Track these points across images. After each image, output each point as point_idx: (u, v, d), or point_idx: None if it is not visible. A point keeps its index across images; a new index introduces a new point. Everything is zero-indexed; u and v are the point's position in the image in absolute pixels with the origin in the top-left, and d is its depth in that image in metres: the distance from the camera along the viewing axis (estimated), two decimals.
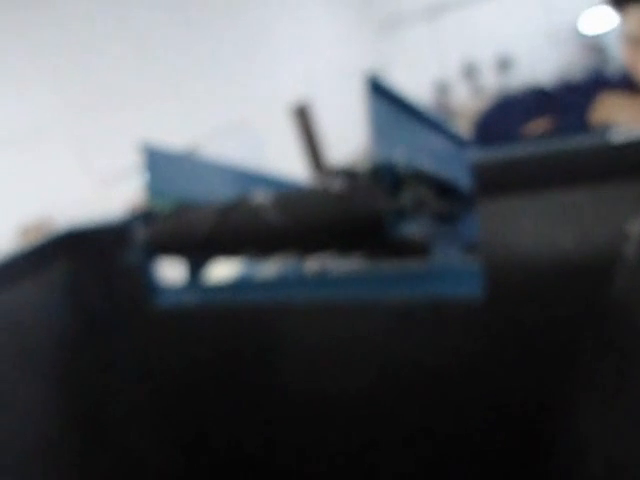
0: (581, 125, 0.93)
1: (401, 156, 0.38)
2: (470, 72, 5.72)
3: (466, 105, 5.31)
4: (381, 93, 0.38)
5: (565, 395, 0.47)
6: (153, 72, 3.62)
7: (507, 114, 1.07)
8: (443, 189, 0.45)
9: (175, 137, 2.92)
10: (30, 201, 2.75)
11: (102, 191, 3.01)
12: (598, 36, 4.88)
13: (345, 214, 0.39)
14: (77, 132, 3.08)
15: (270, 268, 0.53)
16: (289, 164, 4.36)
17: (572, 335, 0.46)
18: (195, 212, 0.48)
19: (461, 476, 0.59)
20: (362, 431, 0.66)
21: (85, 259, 0.70)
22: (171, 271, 0.56)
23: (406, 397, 0.60)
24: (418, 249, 0.46)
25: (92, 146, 3.13)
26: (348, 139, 4.94)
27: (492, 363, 0.51)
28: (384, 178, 0.37)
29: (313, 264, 0.53)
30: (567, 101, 0.98)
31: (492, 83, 5.56)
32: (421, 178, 0.40)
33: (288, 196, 0.44)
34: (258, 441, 0.74)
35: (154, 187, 0.51)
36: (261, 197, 0.45)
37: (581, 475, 0.48)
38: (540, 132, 0.97)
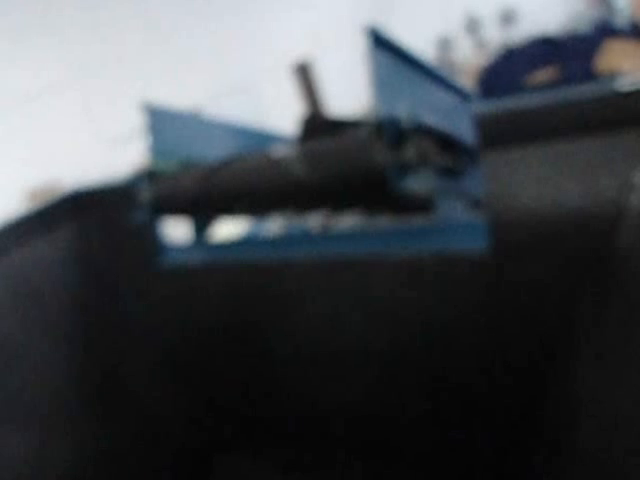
0: (587, 73, 0.91)
1: (404, 110, 0.38)
2: (473, 26, 5.60)
3: (469, 61, 5.21)
4: (383, 46, 0.38)
5: (568, 345, 0.48)
6: (157, 34, 3.57)
7: (512, 64, 1.06)
8: (447, 143, 0.45)
9: (179, 98, 2.90)
10: (38, 164, 2.76)
11: (110, 153, 3.00)
12: None
13: (347, 169, 0.39)
14: (84, 95, 3.06)
15: (275, 226, 0.53)
16: (292, 124, 4.31)
17: (576, 287, 0.46)
18: (197, 171, 0.48)
19: (467, 421, 0.60)
20: (371, 384, 0.67)
21: (92, 219, 0.71)
22: (177, 230, 0.56)
23: (413, 350, 0.60)
24: (422, 204, 0.46)
25: (99, 108, 3.12)
26: (350, 95, 4.87)
27: (497, 315, 0.52)
28: (386, 132, 0.37)
29: (317, 221, 0.53)
30: (573, 49, 0.96)
31: (496, 37, 5.44)
32: (424, 132, 0.40)
33: (291, 152, 0.44)
34: (265, 394, 0.75)
35: (157, 147, 0.51)
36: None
37: (572, 430, 0.49)
38: (545, 81, 0.96)
